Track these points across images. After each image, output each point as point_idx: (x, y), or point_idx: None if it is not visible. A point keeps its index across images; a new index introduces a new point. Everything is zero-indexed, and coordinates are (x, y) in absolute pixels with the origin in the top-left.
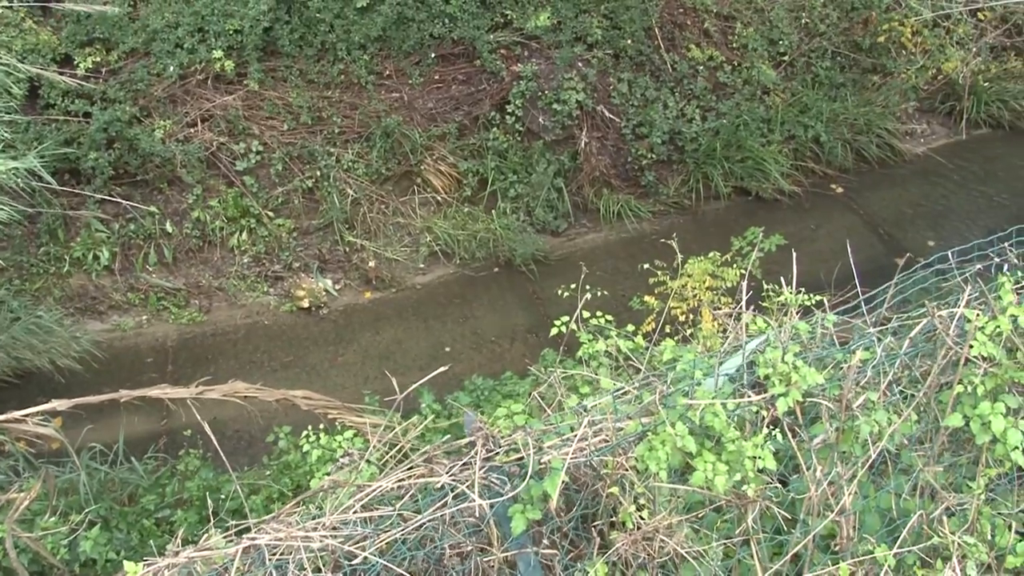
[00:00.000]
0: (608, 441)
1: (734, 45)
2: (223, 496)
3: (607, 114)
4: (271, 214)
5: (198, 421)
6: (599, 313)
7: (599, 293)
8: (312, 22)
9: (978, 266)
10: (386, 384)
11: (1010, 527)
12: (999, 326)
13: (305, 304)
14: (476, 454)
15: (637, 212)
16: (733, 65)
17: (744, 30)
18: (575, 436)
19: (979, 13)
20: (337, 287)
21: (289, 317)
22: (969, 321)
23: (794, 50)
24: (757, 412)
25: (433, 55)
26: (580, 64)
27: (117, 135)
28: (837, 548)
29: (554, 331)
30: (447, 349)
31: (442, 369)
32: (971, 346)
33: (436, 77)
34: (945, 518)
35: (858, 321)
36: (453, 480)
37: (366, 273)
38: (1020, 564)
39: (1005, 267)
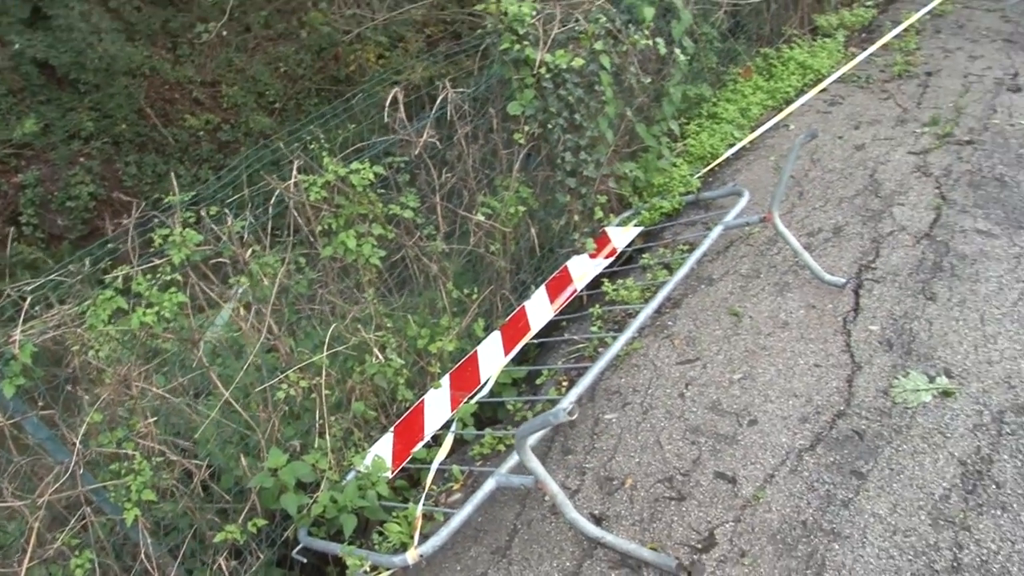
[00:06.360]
0: (64, 323)
1: (226, 106)
2: None
3: (125, 197)
4: None
5: None
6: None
7: None
8: None
9: (308, 138)
10: None
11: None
12: (327, 179)
13: None
14: None
15: None
16: (231, 123)
17: (230, 90)
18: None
19: (425, 29)
20: None
21: None
22: (303, 180)
23: (282, 96)
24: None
25: None
26: (82, 159)
27: None
28: (283, 364)
29: None
30: None
31: None
32: (308, 195)
33: None
34: (361, 325)
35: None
36: None
37: None
38: (426, 344)
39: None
